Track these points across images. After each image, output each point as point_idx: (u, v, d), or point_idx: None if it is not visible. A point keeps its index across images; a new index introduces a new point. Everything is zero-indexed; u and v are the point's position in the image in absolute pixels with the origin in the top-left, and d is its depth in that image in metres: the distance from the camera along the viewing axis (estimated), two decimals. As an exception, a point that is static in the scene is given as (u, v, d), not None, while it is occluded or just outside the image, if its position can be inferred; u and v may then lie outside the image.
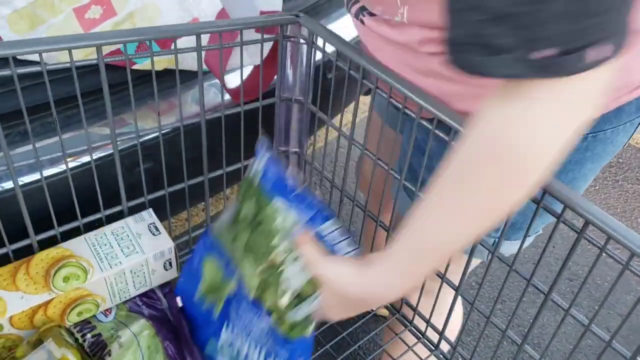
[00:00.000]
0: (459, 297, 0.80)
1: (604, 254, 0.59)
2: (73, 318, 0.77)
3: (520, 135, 0.47)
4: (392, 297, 0.62)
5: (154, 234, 0.81)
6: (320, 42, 0.82)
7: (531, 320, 0.71)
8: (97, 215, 0.84)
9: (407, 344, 0.88)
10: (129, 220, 0.83)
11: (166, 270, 0.82)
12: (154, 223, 0.83)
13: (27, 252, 0.79)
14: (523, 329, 1.66)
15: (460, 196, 0.53)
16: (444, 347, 0.87)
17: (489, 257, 0.75)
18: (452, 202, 0.54)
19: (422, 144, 0.79)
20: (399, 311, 0.92)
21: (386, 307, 0.95)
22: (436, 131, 0.71)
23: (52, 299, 0.73)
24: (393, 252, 0.59)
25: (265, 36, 0.85)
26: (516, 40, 0.43)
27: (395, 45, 0.73)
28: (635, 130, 0.79)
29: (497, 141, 0.49)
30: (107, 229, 0.81)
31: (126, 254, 0.78)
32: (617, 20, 0.43)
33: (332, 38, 0.80)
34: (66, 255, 0.77)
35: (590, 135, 0.73)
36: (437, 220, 0.55)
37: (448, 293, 0.81)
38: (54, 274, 0.74)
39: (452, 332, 0.87)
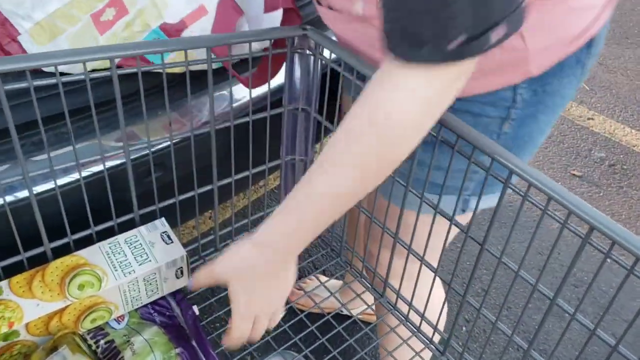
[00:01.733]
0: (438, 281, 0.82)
1: (608, 260, 0.60)
2: (87, 325, 0.78)
3: (398, 109, 0.59)
4: (294, 245, 0.70)
5: (166, 243, 0.83)
6: (326, 53, 0.84)
7: (537, 327, 0.72)
8: (110, 223, 0.85)
9: (412, 348, 0.89)
10: (142, 229, 0.85)
11: (177, 278, 0.84)
12: (166, 232, 0.85)
13: (40, 260, 0.81)
14: (529, 335, 1.66)
15: (348, 155, 0.62)
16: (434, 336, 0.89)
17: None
18: (339, 159, 0.63)
19: None
20: (382, 295, 0.95)
21: (371, 292, 0.96)
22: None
23: (67, 306, 0.74)
24: (285, 204, 0.67)
25: (273, 51, 0.87)
26: (433, 33, 0.53)
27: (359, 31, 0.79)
28: (580, 83, 0.84)
29: (378, 112, 0.59)
30: (121, 237, 0.83)
31: (139, 263, 0.79)
32: (509, 3, 0.53)
33: (337, 49, 0.82)
34: (81, 264, 0.78)
35: (540, 89, 0.78)
36: (325, 173, 0.64)
37: (429, 276, 0.86)
38: (69, 282, 0.76)
39: (434, 315, 0.89)
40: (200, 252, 0.99)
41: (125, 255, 0.80)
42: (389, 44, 0.57)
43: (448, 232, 0.80)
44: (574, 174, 2.42)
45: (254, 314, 0.73)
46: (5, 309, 0.72)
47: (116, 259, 0.79)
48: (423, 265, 0.84)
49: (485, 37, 0.54)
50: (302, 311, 0.96)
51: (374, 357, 1.53)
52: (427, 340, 0.90)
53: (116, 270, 0.78)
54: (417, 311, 0.90)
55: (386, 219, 0.88)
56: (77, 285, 0.76)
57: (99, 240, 0.84)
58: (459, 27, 0.53)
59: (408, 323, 0.92)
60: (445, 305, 0.90)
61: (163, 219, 0.87)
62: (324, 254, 1.09)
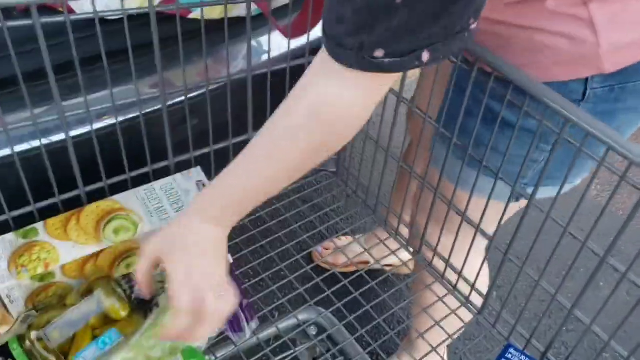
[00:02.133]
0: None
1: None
2: (122, 270, 0.78)
3: (337, 104, 0.58)
4: (223, 216, 0.66)
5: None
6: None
7: (583, 286, 0.70)
8: (145, 169, 0.84)
9: (448, 306, 0.87)
10: (178, 176, 0.83)
11: None
12: (202, 181, 0.83)
13: (75, 204, 0.80)
14: (573, 295, 1.63)
15: (282, 143, 0.62)
16: (477, 300, 0.87)
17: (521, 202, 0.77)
18: (272, 147, 0.63)
19: (462, 87, 0.78)
20: (419, 253, 0.93)
21: (419, 260, 0.94)
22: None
23: (102, 250, 0.73)
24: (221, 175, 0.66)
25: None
26: (355, 41, 0.53)
27: None
28: None
29: (319, 105, 0.59)
30: (157, 184, 0.82)
31: (175, 210, 0.78)
32: (436, 33, 0.52)
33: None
34: (116, 208, 0.77)
35: (617, 86, 0.72)
36: (256, 161, 0.64)
37: (477, 247, 0.83)
38: (105, 226, 0.75)
39: (483, 286, 0.87)
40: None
41: (161, 202, 0.79)
42: (323, 34, 0.57)
43: (504, 213, 0.77)
44: None
45: (195, 287, 0.63)
46: (41, 250, 0.72)
47: (152, 205, 0.78)
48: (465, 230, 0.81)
49: (414, 56, 0.53)
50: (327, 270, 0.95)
51: (407, 313, 1.52)
52: (463, 299, 0.87)
53: (152, 216, 0.77)
54: (454, 269, 0.87)
55: (436, 195, 0.84)
56: (112, 229, 0.75)
57: (134, 186, 0.83)
58: (376, 42, 0.52)
59: (444, 281, 0.90)
60: (486, 265, 0.88)
61: (199, 167, 0.85)
62: (358, 211, 1.07)
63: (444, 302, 0.88)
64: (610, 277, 1.60)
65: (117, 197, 0.80)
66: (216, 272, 0.66)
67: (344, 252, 1.03)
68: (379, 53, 0.53)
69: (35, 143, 0.77)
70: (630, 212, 0.60)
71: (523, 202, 0.75)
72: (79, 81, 0.73)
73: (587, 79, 0.72)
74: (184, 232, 0.65)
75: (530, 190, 0.79)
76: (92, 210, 0.77)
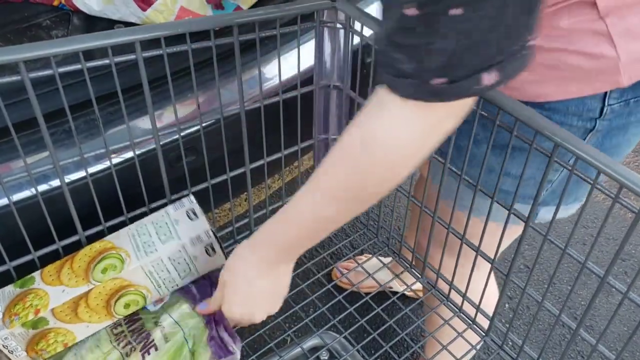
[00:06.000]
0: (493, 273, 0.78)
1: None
2: (120, 310, 0.78)
3: (390, 141, 0.56)
4: (283, 254, 0.70)
5: (191, 219, 0.81)
6: (357, 26, 0.81)
7: (583, 302, 0.69)
8: (143, 209, 0.85)
9: (454, 328, 0.87)
10: (169, 208, 0.83)
11: (210, 256, 0.81)
12: (193, 209, 0.82)
13: (77, 247, 0.81)
14: (574, 311, 1.62)
15: (336, 181, 0.60)
16: (483, 322, 0.86)
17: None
18: (327, 187, 0.61)
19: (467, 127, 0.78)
20: (435, 287, 0.92)
21: (422, 283, 0.94)
22: (482, 112, 0.69)
23: (90, 290, 0.74)
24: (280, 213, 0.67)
25: (302, 25, 0.84)
26: (413, 68, 0.50)
27: None
28: None
29: (370, 141, 0.57)
30: (148, 219, 0.82)
31: (163, 241, 0.78)
32: (502, 50, 0.49)
33: (369, 21, 0.79)
34: (108, 248, 0.78)
35: (632, 100, 0.72)
36: (312, 201, 0.63)
37: (482, 268, 0.81)
38: (94, 267, 0.76)
39: (489, 307, 0.86)
40: (235, 235, 0.98)
41: (150, 236, 0.79)
42: (380, 67, 0.54)
43: (502, 235, 0.76)
44: None
45: (245, 312, 0.74)
46: (34, 297, 0.73)
47: (140, 240, 0.78)
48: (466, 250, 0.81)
49: (474, 79, 0.50)
50: (344, 289, 0.94)
51: (415, 337, 1.51)
52: (469, 321, 0.87)
53: (139, 251, 0.77)
54: (458, 290, 0.87)
55: (435, 213, 0.84)
56: (101, 269, 0.75)
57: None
58: (437, 68, 0.50)
59: (449, 303, 0.90)
60: (494, 286, 0.87)
61: (191, 195, 0.85)
62: (361, 234, 1.07)
63: (449, 325, 0.87)
64: (621, 281, 1.60)
65: (110, 237, 0.80)
66: (269, 305, 0.74)
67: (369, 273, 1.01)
68: (437, 80, 0.50)
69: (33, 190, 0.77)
70: (627, 232, 0.59)
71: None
72: (72, 127, 0.74)
73: (605, 95, 0.71)
74: (246, 258, 0.71)
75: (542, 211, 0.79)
76: (85, 253, 0.78)
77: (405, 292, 0.97)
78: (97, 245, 0.78)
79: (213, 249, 0.81)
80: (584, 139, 0.76)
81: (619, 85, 0.70)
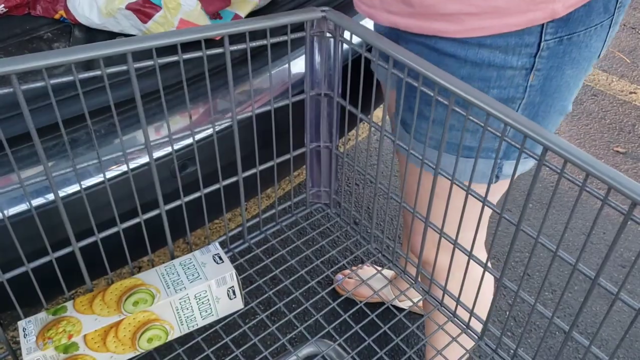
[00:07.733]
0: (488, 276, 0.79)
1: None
2: (143, 344, 0.82)
3: None
4: None
5: (217, 263, 0.86)
6: (347, 35, 0.82)
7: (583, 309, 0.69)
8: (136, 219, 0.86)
9: (448, 333, 0.87)
10: (197, 252, 0.88)
11: (230, 299, 0.85)
12: (218, 254, 0.88)
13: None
14: (573, 316, 1.61)
15: None
16: (477, 326, 0.86)
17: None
18: None
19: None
20: (429, 292, 0.93)
21: (416, 290, 0.94)
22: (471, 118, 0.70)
23: (121, 320, 0.78)
24: None
25: (292, 35, 0.85)
26: None
27: None
28: (607, 35, 0.81)
29: None
30: (177, 261, 0.87)
31: (190, 280, 0.83)
32: None
33: (358, 30, 0.79)
34: (138, 284, 0.83)
35: (565, 37, 0.77)
36: None
37: (476, 273, 0.85)
38: (126, 299, 0.81)
39: (483, 311, 0.87)
40: (228, 244, 0.98)
41: (179, 275, 0.84)
42: None
43: (481, 212, 0.77)
44: (617, 151, 2.34)
45: None
46: (67, 323, 0.78)
47: (170, 279, 0.84)
48: (458, 252, 0.81)
49: None
50: (338, 297, 0.94)
51: (409, 343, 1.51)
52: (464, 325, 0.87)
53: (169, 288, 0.82)
54: (451, 296, 0.87)
55: (416, 202, 0.85)
56: (132, 302, 0.80)
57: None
58: None
59: (443, 309, 0.90)
60: (489, 289, 0.87)
61: (217, 243, 0.90)
62: (354, 242, 1.07)
63: (444, 330, 0.87)
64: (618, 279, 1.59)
65: (140, 275, 0.85)
66: None
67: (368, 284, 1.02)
68: None
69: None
70: (615, 236, 0.59)
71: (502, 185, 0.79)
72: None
73: (541, 30, 0.75)
74: None
75: (507, 166, 0.86)
76: (116, 287, 0.83)
77: (398, 300, 0.97)
78: (127, 282, 0.83)
79: (234, 293, 0.85)
80: (527, 80, 0.80)
81: (556, 14, 0.74)
